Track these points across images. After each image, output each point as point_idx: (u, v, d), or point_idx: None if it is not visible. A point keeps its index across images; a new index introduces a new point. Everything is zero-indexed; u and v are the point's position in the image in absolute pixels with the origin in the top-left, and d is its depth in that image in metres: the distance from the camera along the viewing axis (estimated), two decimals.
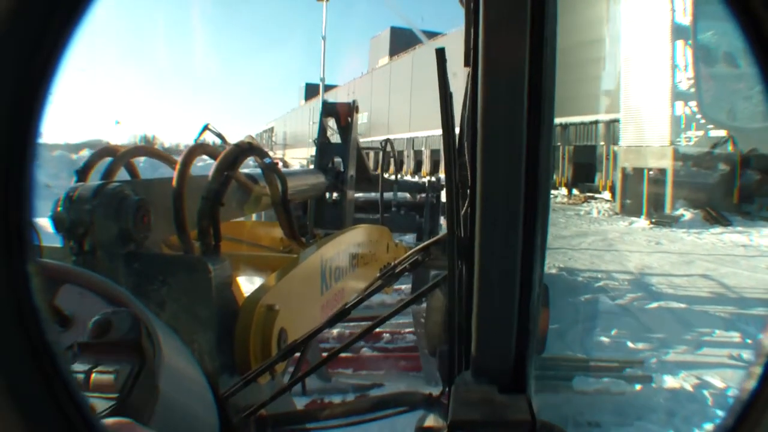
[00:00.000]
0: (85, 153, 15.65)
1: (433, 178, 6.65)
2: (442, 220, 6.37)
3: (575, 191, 25.79)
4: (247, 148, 2.32)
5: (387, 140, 6.41)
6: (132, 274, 1.81)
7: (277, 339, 1.89)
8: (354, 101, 5.12)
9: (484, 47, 0.80)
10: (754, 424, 0.68)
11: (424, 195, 6.57)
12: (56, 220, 1.82)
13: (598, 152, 25.49)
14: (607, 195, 23.87)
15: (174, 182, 2.08)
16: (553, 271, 9.79)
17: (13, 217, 0.60)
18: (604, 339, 6.53)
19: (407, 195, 6.77)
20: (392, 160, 6.54)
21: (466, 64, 1.07)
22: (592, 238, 14.82)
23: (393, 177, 6.47)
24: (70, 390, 0.64)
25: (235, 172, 2.24)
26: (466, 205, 1.09)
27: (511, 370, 0.92)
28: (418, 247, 1.54)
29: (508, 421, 0.86)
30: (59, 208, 1.82)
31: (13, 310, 0.60)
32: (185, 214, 2.04)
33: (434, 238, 1.49)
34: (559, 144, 26.38)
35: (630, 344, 6.40)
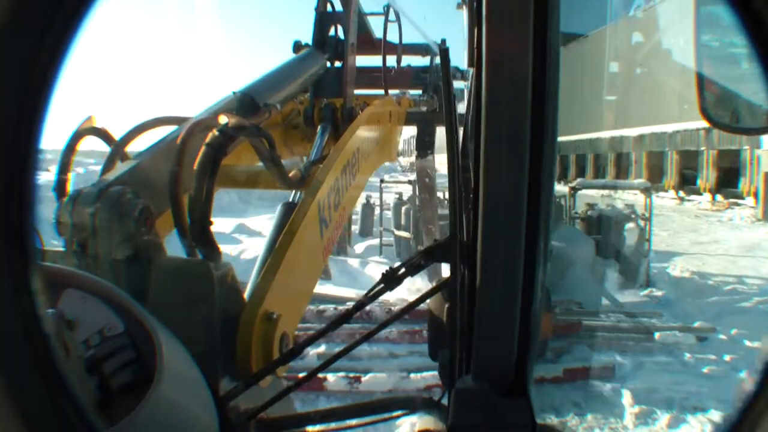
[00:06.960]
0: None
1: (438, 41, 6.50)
2: None
3: (719, 197, 24.22)
4: (231, 135, 1.93)
5: (389, 5, 6.25)
6: (134, 278, 1.80)
7: (279, 344, 1.88)
8: None
9: (488, 47, 0.80)
10: (755, 424, 0.67)
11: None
12: (58, 224, 1.81)
13: (741, 156, 23.88)
14: (750, 201, 22.35)
15: (168, 185, 1.94)
16: (686, 275, 9.98)
17: (16, 221, 0.60)
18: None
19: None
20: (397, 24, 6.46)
21: (470, 64, 1.06)
22: (727, 245, 14.21)
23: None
24: (71, 394, 0.63)
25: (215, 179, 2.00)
26: (469, 208, 1.08)
27: (512, 373, 0.91)
28: (420, 250, 1.53)
29: (508, 425, 0.86)
30: (61, 211, 1.81)
31: (15, 313, 0.59)
32: (185, 217, 2.01)
33: (436, 242, 1.48)
34: (703, 148, 24.93)
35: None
